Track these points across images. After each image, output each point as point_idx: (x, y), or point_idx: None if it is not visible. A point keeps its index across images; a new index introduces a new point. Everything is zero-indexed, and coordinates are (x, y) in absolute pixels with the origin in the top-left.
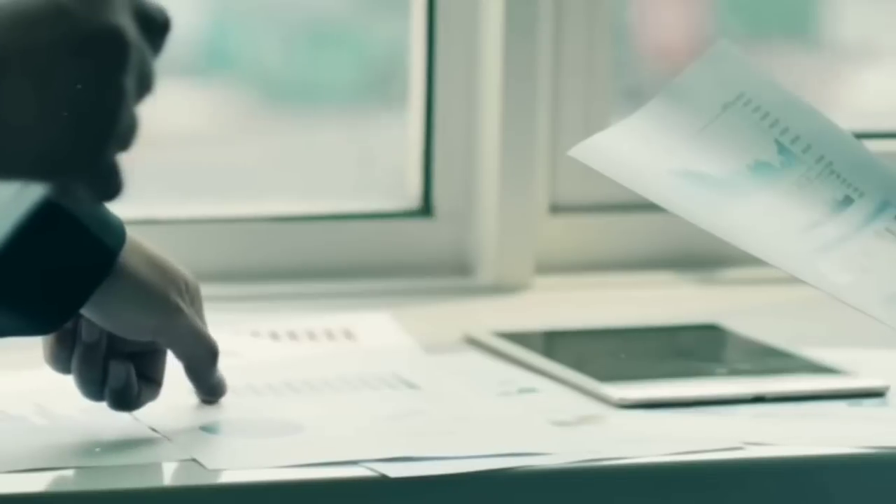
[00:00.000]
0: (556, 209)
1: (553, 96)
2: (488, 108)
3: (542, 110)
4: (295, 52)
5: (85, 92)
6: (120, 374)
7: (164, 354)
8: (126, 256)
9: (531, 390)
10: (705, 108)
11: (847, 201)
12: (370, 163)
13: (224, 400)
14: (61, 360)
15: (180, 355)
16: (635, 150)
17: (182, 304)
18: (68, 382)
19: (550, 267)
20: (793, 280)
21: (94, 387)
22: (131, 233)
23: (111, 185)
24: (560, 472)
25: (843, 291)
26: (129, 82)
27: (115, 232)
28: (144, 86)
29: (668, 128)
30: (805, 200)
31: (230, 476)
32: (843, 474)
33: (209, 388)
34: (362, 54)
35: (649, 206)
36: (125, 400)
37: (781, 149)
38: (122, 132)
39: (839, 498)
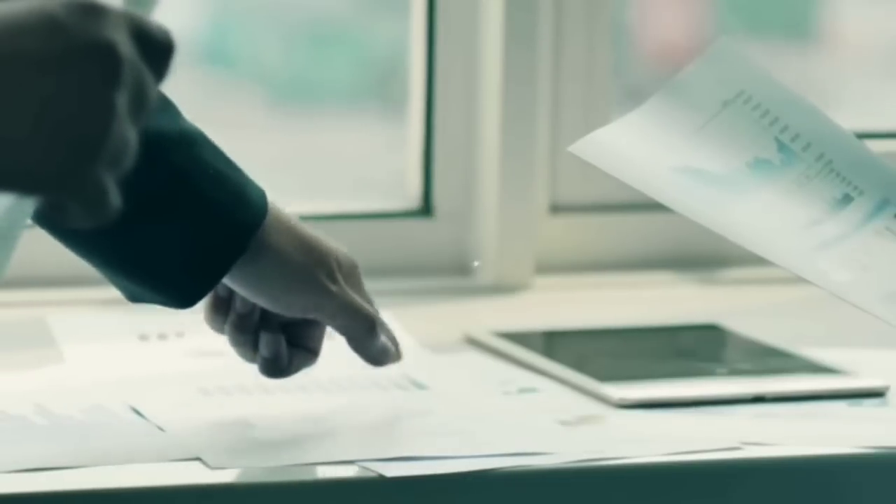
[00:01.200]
0: (556, 209)
1: (553, 96)
2: (488, 109)
3: (542, 110)
4: (295, 52)
5: (73, 107)
6: (270, 345)
7: (321, 325)
8: (269, 234)
9: (531, 390)
10: (705, 106)
11: (846, 199)
12: (370, 163)
13: (227, 399)
14: (216, 324)
15: (337, 329)
16: (635, 147)
17: (330, 284)
18: (68, 382)
19: (550, 267)
20: (793, 280)
21: (247, 353)
22: (280, 208)
23: (102, 203)
24: (560, 472)
25: (843, 289)
26: (121, 100)
27: (254, 209)
28: (141, 106)
29: (668, 125)
30: (805, 198)
31: (234, 475)
32: (843, 474)
33: (371, 358)
34: (362, 55)
35: (649, 206)
36: (275, 369)
37: (781, 146)
38: (112, 150)
39: (839, 498)
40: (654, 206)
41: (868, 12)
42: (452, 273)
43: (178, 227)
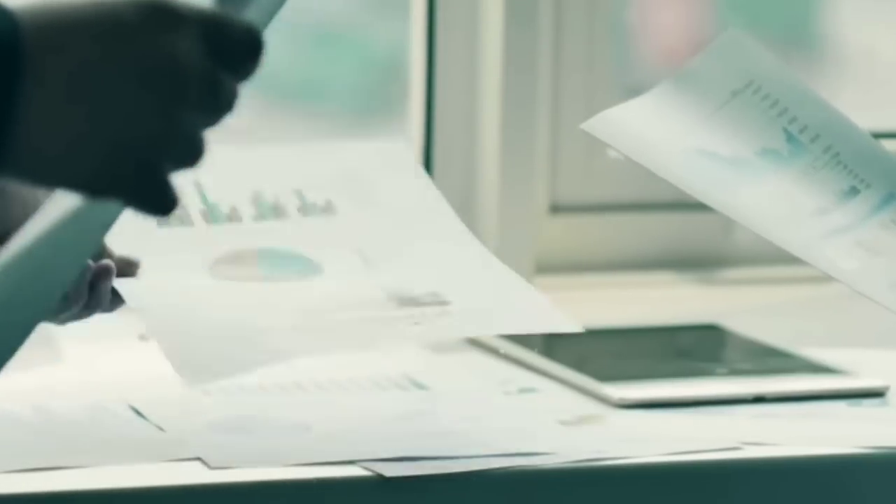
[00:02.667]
0: (556, 209)
1: (553, 96)
2: (488, 108)
3: (543, 110)
4: (296, 52)
5: (135, 118)
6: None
7: None
8: None
9: (531, 390)
10: (714, 95)
11: (853, 192)
12: None
13: (227, 399)
14: None
15: None
16: (647, 127)
17: None
18: (68, 382)
19: (550, 267)
20: (793, 280)
21: None
22: None
23: (159, 203)
24: (560, 472)
25: (850, 277)
26: (186, 111)
27: None
28: (217, 109)
29: (678, 110)
30: (812, 188)
31: (234, 475)
32: (844, 474)
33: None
34: (363, 55)
35: (649, 206)
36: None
37: (789, 137)
38: (175, 156)
39: (839, 498)
40: (654, 206)
41: (867, 14)
42: None
43: None
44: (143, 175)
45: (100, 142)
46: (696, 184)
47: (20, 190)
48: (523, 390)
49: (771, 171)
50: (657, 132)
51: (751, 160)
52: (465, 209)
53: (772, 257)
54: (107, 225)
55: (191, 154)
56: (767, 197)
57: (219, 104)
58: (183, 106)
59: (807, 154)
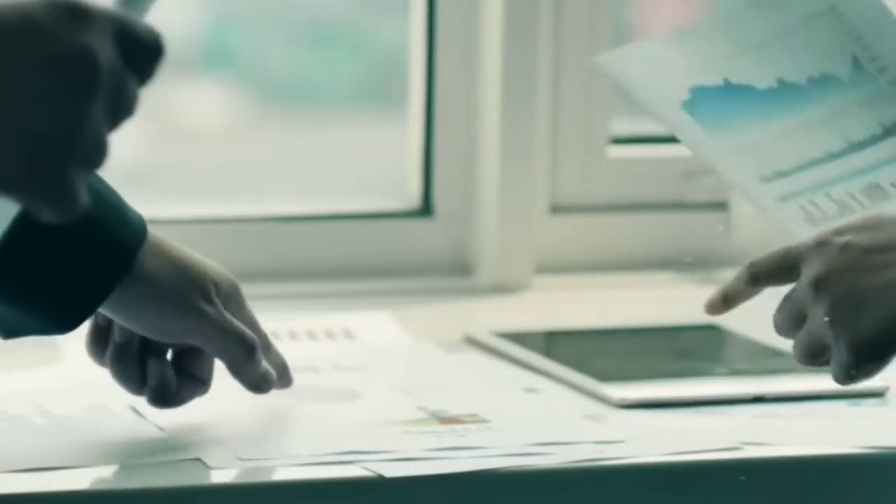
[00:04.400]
0: (556, 209)
1: (553, 96)
2: (488, 108)
3: (542, 110)
4: (296, 52)
5: (46, 112)
6: (155, 373)
7: (208, 353)
8: (145, 258)
9: (531, 390)
10: (787, 15)
11: (887, 133)
12: (370, 163)
13: (227, 399)
14: (97, 355)
15: (214, 354)
16: (667, 63)
17: (205, 307)
18: (68, 382)
19: (550, 267)
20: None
21: (132, 383)
22: (157, 232)
23: (69, 203)
24: (560, 472)
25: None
26: (96, 106)
27: (134, 231)
28: (121, 109)
29: (719, 40)
30: (850, 122)
31: (234, 475)
32: (843, 474)
33: (249, 384)
34: (363, 55)
35: (649, 206)
36: (162, 397)
37: (856, 64)
38: (83, 153)
39: (839, 498)
40: (654, 206)
41: None
42: (452, 273)
43: (57, 246)
44: (50, 169)
45: (9, 134)
46: (689, 134)
47: (149, 291)
48: (524, 390)
49: (820, 97)
50: (672, 69)
51: (800, 86)
52: (466, 209)
53: None
54: None
55: (96, 154)
56: (750, 148)
57: (124, 104)
58: (93, 101)
59: (869, 84)
